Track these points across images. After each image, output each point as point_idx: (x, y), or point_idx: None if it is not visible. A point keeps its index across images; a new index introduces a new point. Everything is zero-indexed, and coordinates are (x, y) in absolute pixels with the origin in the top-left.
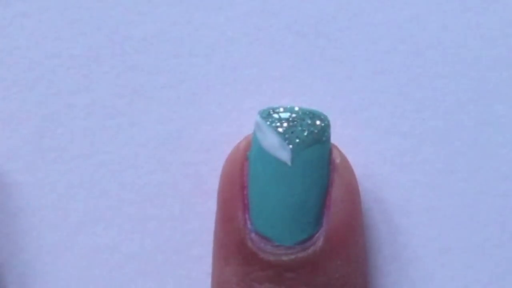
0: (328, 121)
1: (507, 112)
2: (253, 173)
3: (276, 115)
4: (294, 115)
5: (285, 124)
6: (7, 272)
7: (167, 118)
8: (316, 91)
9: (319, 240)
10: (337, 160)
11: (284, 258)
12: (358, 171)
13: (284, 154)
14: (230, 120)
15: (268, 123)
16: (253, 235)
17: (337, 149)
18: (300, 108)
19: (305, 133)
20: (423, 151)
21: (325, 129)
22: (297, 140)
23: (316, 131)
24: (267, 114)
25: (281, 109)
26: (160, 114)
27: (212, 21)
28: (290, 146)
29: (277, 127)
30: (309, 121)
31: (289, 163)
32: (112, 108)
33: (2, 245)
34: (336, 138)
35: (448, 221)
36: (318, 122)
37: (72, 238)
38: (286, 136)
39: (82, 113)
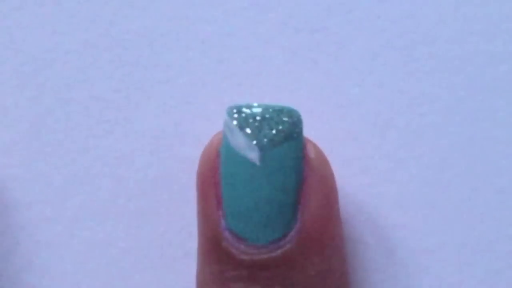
0: (299, 117)
1: (503, 107)
2: (224, 171)
3: (243, 114)
4: (262, 113)
5: (252, 123)
6: (3, 267)
7: (163, 113)
8: (312, 86)
9: (293, 238)
10: (311, 155)
11: (258, 257)
12: (354, 166)
13: (252, 154)
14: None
15: (235, 122)
16: (227, 233)
17: (311, 143)
18: (268, 105)
19: (273, 132)
20: (420, 146)
21: (296, 125)
22: (265, 140)
23: (284, 128)
24: (234, 112)
25: (249, 107)
26: (156, 109)
27: (208, 16)
28: (258, 146)
29: (244, 127)
30: (277, 119)
31: (257, 162)
32: (108, 103)
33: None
34: (332, 133)
35: (444, 217)
36: (286, 119)
37: (68, 233)
38: (253, 136)
39: (78, 108)
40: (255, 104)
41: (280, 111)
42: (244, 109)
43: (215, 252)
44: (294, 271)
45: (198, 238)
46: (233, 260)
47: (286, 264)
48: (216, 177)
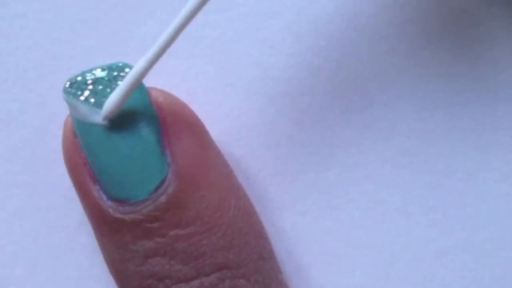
0: (129, 67)
1: (506, 112)
2: (84, 147)
3: (75, 84)
4: (92, 75)
5: (85, 89)
6: (7, 273)
7: None
8: (317, 91)
9: (172, 181)
10: (160, 100)
11: (145, 210)
12: (358, 171)
13: (97, 117)
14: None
15: (71, 96)
16: (109, 203)
17: (157, 90)
18: (96, 67)
19: (108, 90)
20: (423, 151)
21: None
22: (104, 99)
23: (118, 83)
24: (67, 87)
25: (80, 75)
26: None
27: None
28: (100, 107)
29: (80, 95)
30: (108, 77)
31: (106, 123)
32: None
33: (3, 246)
34: (337, 137)
35: (448, 221)
36: (118, 73)
37: (73, 239)
38: (91, 101)
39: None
40: (85, 70)
41: (110, 68)
42: (74, 80)
43: (107, 225)
44: (185, 209)
45: (91, 224)
46: (125, 224)
47: (175, 206)
48: (82, 157)
